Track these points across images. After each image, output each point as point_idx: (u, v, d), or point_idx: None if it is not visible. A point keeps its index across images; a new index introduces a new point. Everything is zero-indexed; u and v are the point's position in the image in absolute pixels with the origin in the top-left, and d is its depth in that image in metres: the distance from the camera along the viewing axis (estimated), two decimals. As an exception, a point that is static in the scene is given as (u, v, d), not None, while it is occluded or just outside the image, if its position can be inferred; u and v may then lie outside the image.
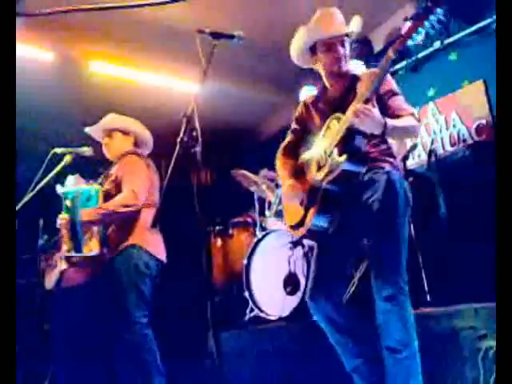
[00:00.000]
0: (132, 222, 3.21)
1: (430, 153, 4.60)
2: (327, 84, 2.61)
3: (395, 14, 5.12)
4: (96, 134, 3.57)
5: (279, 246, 4.33)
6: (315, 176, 2.38)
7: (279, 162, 2.69)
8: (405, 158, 4.39)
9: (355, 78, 2.48)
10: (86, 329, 4.49)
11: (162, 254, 3.30)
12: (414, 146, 4.56)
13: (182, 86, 5.52)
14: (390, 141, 2.52)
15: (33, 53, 4.86)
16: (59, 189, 3.28)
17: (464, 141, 4.76)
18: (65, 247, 3.07)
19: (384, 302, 2.18)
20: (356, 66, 4.54)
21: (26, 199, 3.11)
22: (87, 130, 3.54)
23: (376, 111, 2.22)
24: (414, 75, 5.14)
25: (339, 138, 2.27)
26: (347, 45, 2.52)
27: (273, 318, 4.30)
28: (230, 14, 4.46)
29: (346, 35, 2.51)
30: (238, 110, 6.21)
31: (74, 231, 3.04)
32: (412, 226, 4.03)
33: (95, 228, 3.11)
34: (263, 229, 4.79)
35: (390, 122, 2.24)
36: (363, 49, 5.10)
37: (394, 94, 2.44)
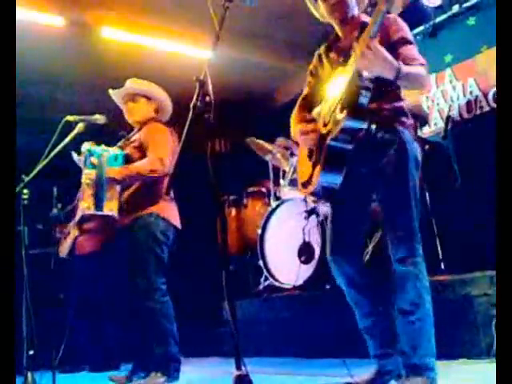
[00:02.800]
0: (151, 190, 3.23)
1: (448, 120, 4.52)
2: (339, 33, 2.50)
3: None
4: (119, 97, 3.50)
5: (294, 215, 4.32)
6: (320, 132, 2.34)
7: (293, 117, 2.61)
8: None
9: (365, 26, 2.27)
10: (101, 295, 4.56)
11: (177, 221, 3.32)
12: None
13: (197, 52, 5.45)
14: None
15: (43, 18, 4.78)
16: (83, 148, 3.23)
17: (481, 108, 4.68)
18: (84, 205, 3.02)
19: (399, 263, 2.18)
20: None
21: (38, 168, 3.10)
22: (111, 92, 3.47)
23: (386, 52, 2.09)
24: (432, 41, 5.02)
25: (342, 93, 2.18)
26: None
27: (287, 286, 4.32)
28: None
29: None
30: (252, 76, 6.12)
31: (99, 187, 3.03)
32: (427, 194, 4.01)
33: (117, 188, 3.11)
34: (277, 198, 4.77)
35: (405, 67, 2.13)
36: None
37: (407, 42, 2.31)
